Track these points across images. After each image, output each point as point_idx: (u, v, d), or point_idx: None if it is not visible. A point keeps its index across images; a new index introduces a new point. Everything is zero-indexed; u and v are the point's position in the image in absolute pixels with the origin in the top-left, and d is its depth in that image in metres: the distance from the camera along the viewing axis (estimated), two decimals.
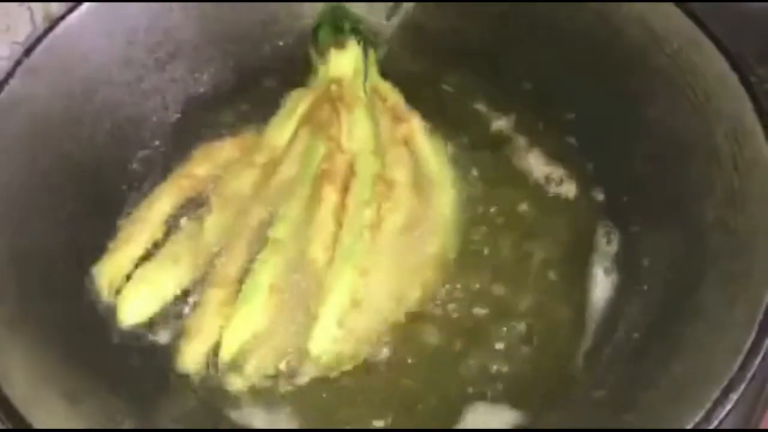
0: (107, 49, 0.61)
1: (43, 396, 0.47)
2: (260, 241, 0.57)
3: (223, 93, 0.68)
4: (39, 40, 0.57)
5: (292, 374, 0.53)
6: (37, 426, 0.44)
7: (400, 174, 0.59)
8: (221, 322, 0.54)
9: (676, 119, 0.55)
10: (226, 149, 0.62)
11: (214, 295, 0.55)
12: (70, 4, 0.59)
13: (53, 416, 0.46)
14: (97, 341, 0.54)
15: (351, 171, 0.58)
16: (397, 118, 0.62)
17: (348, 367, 0.53)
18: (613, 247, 0.59)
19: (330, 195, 0.57)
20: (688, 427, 0.42)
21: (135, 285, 0.56)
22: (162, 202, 0.60)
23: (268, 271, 0.55)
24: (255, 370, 0.53)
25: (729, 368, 0.42)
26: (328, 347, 0.53)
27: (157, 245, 0.58)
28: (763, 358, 0.43)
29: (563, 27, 0.62)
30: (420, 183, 0.59)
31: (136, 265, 0.57)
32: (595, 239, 0.59)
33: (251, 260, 0.56)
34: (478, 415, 0.52)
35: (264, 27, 0.68)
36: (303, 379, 0.53)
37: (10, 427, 0.43)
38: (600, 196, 0.61)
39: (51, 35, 0.57)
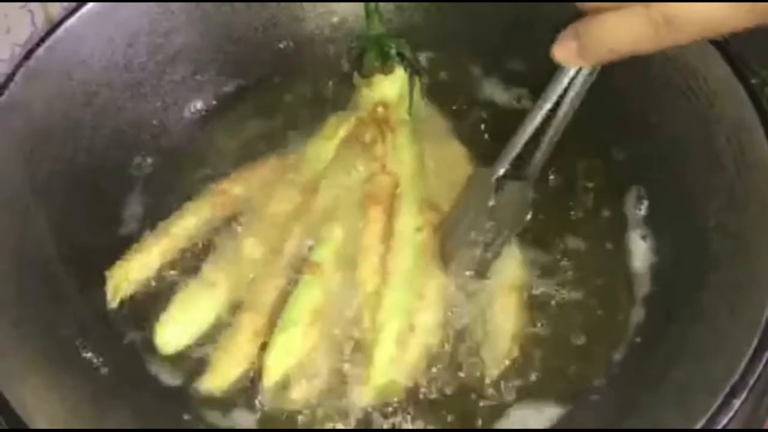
0: (108, 52, 0.61)
1: (44, 401, 0.47)
2: (300, 264, 0.55)
3: (224, 95, 0.67)
4: (39, 42, 0.56)
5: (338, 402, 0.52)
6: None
7: (445, 200, 0.57)
8: (255, 350, 0.53)
9: (678, 123, 0.55)
10: (264, 169, 0.61)
11: (249, 321, 0.54)
12: (70, 7, 0.59)
13: (53, 421, 0.46)
14: (100, 348, 0.53)
15: (395, 193, 0.57)
16: (439, 144, 0.62)
17: (398, 395, 0.52)
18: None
19: (377, 216, 0.56)
20: None
21: (173, 312, 0.55)
22: (188, 217, 0.58)
23: (310, 296, 0.53)
24: (299, 397, 0.51)
25: (731, 374, 0.42)
26: (389, 373, 0.51)
27: (175, 261, 0.57)
28: (767, 363, 0.42)
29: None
30: None
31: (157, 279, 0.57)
32: None
33: (290, 285, 0.55)
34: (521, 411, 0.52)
35: (265, 30, 0.68)
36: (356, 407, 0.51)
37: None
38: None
39: (51, 38, 0.57)
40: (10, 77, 0.54)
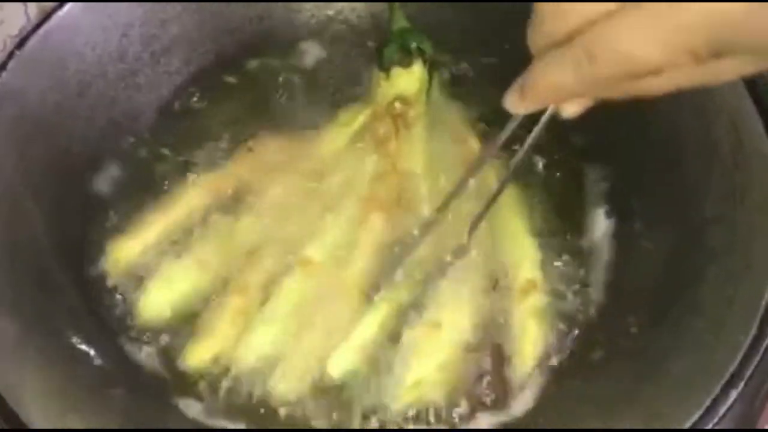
0: (102, 42, 0.60)
1: (38, 392, 0.47)
2: (293, 253, 0.55)
3: (219, 86, 0.67)
4: (32, 32, 0.56)
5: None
6: (31, 425, 0.43)
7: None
8: (234, 331, 0.53)
9: (676, 115, 0.55)
10: (271, 153, 0.61)
11: (233, 302, 0.54)
12: None
13: (47, 412, 0.46)
14: (93, 339, 0.53)
15: (402, 194, 0.57)
16: (456, 140, 0.61)
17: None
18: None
19: (377, 221, 0.56)
20: (687, 425, 0.42)
21: (157, 281, 0.55)
22: (189, 196, 0.59)
23: (297, 291, 0.53)
24: (281, 390, 0.51)
25: (728, 365, 0.42)
26: (346, 366, 0.51)
27: (176, 238, 0.57)
28: (763, 355, 0.42)
29: None
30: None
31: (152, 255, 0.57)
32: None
33: (279, 272, 0.55)
34: None
35: (260, 21, 0.68)
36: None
37: (5, 426, 0.43)
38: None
39: (44, 28, 0.56)
40: (3, 66, 0.54)
